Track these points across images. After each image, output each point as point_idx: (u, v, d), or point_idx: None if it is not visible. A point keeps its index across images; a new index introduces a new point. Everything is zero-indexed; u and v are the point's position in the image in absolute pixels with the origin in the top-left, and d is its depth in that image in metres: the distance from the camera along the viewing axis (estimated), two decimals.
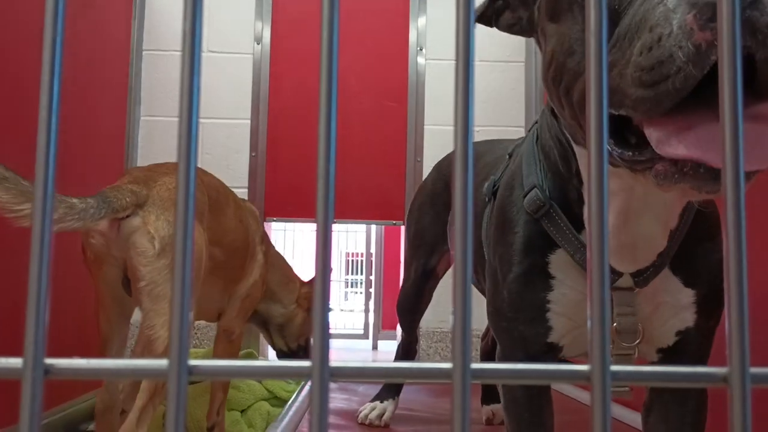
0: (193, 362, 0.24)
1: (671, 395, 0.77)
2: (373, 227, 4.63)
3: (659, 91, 0.50)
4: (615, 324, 0.72)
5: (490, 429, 1.44)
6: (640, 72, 0.51)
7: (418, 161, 2.59)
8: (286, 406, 1.55)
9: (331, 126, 0.24)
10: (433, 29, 2.62)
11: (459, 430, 0.23)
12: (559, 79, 0.63)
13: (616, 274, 0.72)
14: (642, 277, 0.72)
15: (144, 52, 2.60)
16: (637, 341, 0.73)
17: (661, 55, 0.50)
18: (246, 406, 2.03)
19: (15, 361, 0.24)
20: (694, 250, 0.74)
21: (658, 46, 0.50)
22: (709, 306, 0.75)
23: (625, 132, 0.57)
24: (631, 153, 0.56)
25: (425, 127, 2.62)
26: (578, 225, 0.74)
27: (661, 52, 0.50)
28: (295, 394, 1.68)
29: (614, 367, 0.24)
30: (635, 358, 0.75)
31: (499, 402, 1.50)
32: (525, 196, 0.77)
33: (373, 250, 4.66)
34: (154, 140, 2.58)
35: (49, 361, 0.24)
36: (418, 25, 2.65)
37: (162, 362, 0.24)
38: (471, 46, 0.25)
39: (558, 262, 0.75)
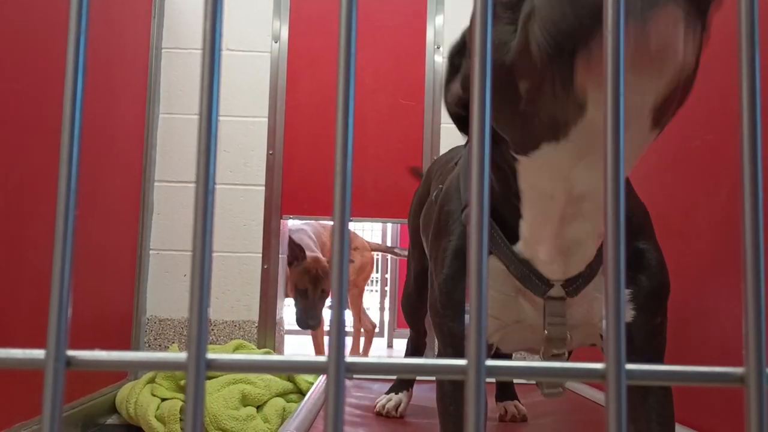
0: (211, 356, 0.25)
1: (633, 394, 0.79)
2: (389, 225, 4.63)
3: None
4: (546, 332, 0.78)
5: (503, 426, 1.44)
6: None
7: (434, 159, 2.59)
8: (302, 403, 1.57)
9: (348, 125, 0.25)
10: (450, 28, 2.62)
11: (473, 425, 0.23)
12: (498, 80, 0.61)
13: (547, 285, 0.76)
14: (573, 287, 0.76)
15: (163, 50, 2.62)
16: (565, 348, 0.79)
17: None
18: (261, 402, 2.04)
19: (38, 353, 0.25)
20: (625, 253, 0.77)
21: None
22: (648, 303, 0.77)
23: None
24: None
25: (442, 125, 2.62)
26: (513, 237, 0.77)
27: None
28: (310, 391, 1.69)
29: (629, 366, 0.24)
30: (566, 359, 0.80)
31: (512, 399, 1.51)
32: (463, 210, 0.83)
33: None
34: (173, 138, 2.60)
35: (70, 352, 0.25)
36: (435, 23, 2.65)
37: (181, 355, 0.24)
38: (487, 45, 0.25)
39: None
